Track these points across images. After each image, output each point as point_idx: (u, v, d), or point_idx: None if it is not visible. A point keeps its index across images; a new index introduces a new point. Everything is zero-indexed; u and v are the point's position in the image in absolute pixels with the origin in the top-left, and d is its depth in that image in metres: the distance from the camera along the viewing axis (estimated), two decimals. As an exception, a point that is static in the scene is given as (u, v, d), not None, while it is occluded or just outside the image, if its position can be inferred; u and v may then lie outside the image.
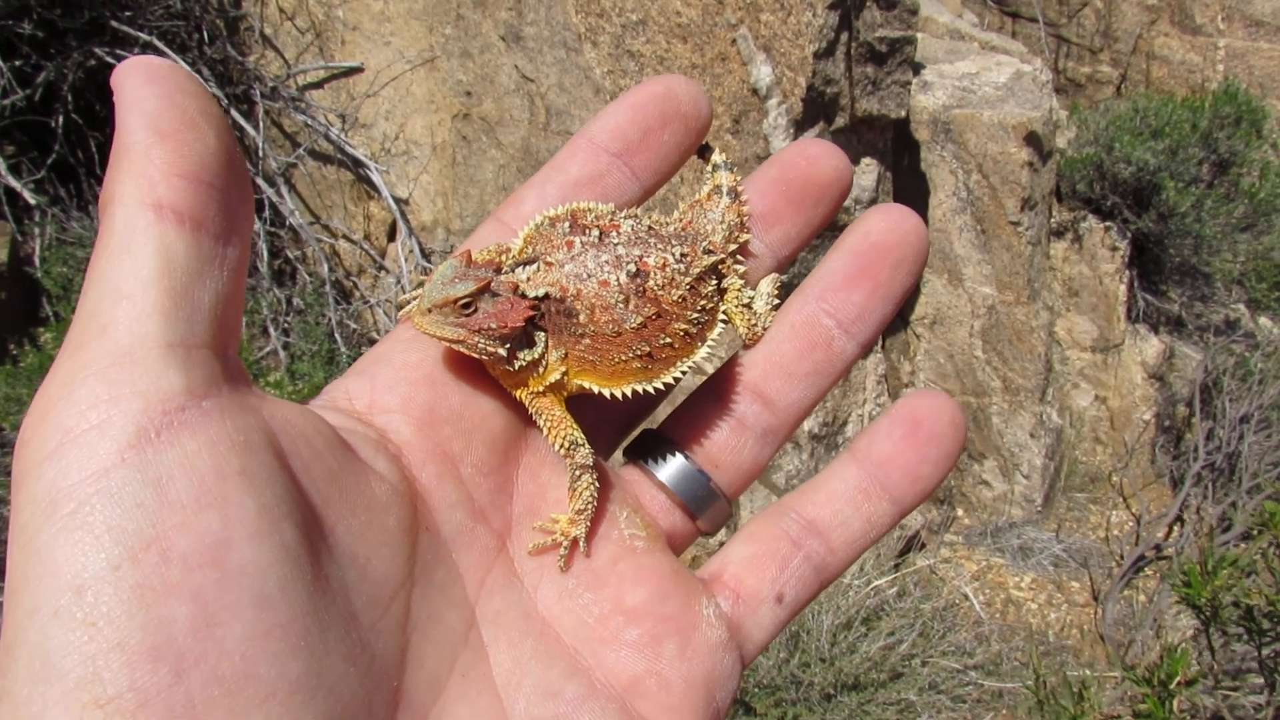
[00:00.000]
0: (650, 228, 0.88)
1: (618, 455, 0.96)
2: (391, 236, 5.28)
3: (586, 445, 0.84)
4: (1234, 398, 5.40)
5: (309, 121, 5.07)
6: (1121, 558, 4.97)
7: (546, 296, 0.84)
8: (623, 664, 0.79)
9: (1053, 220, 5.67)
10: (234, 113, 5.15)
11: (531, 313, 0.83)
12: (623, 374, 0.86)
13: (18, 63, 4.79)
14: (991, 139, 4.92)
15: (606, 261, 0.85)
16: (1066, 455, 5.74)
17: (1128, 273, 5.63)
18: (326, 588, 0.65)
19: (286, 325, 5.13)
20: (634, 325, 0.85)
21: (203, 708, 0.57)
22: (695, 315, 0.88)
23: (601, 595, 0.83)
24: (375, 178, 4.97)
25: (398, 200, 5.03)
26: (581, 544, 0.83)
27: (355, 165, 5.09)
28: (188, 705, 0.56)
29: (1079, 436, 5.88)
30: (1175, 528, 5.11)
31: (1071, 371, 5.87)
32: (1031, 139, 4.89)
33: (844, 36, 4.03)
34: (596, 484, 0.83)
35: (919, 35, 5.71)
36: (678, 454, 0.90)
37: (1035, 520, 5.34)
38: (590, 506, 0.83)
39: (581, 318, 0.84)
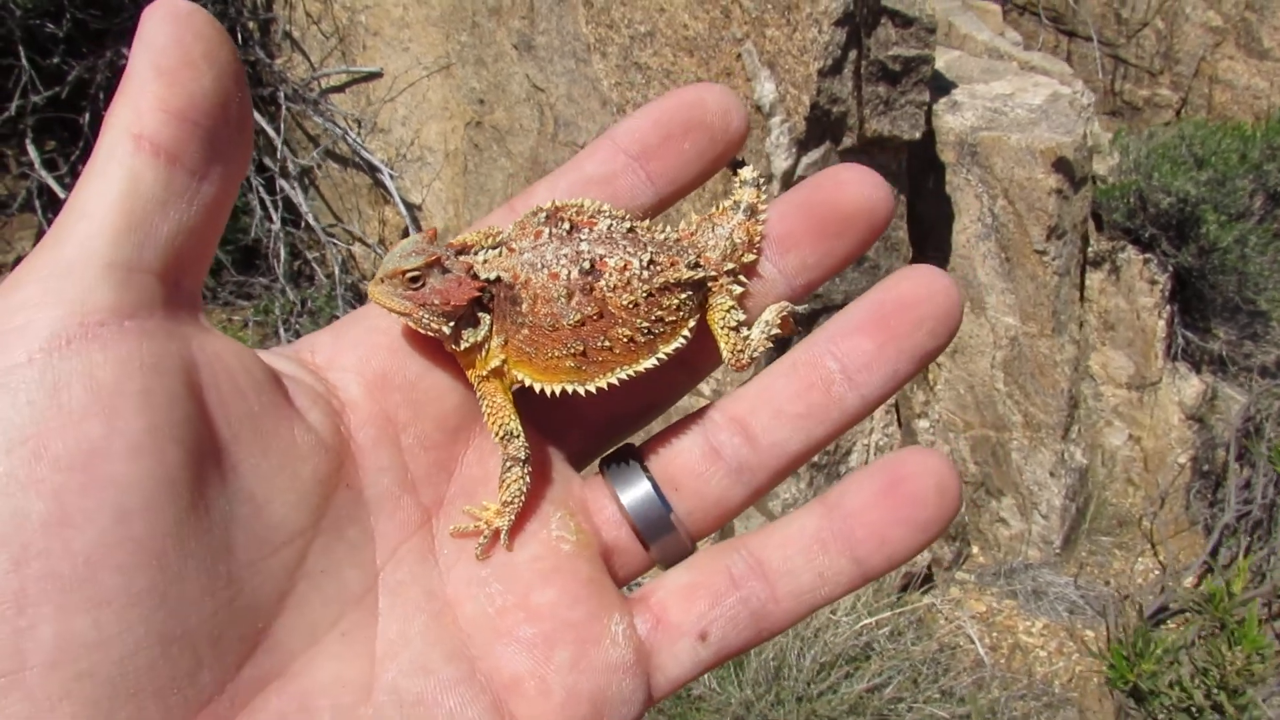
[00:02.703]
0: (631, 230, 0.86)
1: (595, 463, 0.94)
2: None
3: (522, 438, 0.82)
4: (1276, 444, 5.09)
5: (328, 125, 5.10)
6: (1141, 609, 4.72)
7: (498, 280, 0.84)
8: (509, 660, 0.78)
9: (1090, 250, 5.43)
10: (258, 115, 5.19)
11: (477, 294, 0.83)
12: (555, 370, 0.85)
13: (54, 60, 4.89)
14: (1019, 164, 4.72)
15: (565, 255, 0.83)
16: (1095, 496, 5.48)
17: (1168, 308, 5.36)
18: (204, 517, 0.66)
19: (298, 327, 5.16)
20: (571, 322, 0.83)
21: (33, 598, 0.59)
22: (646, 325, 0.85)
23: (510, 588, 0.81)
24: (388, 183, 4.96)
25: (410, 206, 5.03)
26: (503, 536, 0.82)
27: (371, 170, 5.10)
28: (18, 593, 0.58)
29: (1110, 477, 5.62)
30: (1205, 580, 4.83)
31: (1105, 408, 5.61)
32: (1061, 165, 4.68)
33: (853, 54, 3.90)
34: (527, 478, 0.82)
35: (956, 53, 5.53)
36: (641, 474, 0.87)
37: (1053, 563, 5.11)
38: (517, 500, 0.82)
39: (524, 307, 0.84)
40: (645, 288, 0.84)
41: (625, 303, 0.84)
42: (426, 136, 4.99)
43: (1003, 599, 4.97)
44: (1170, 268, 5.28)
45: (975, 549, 5.29)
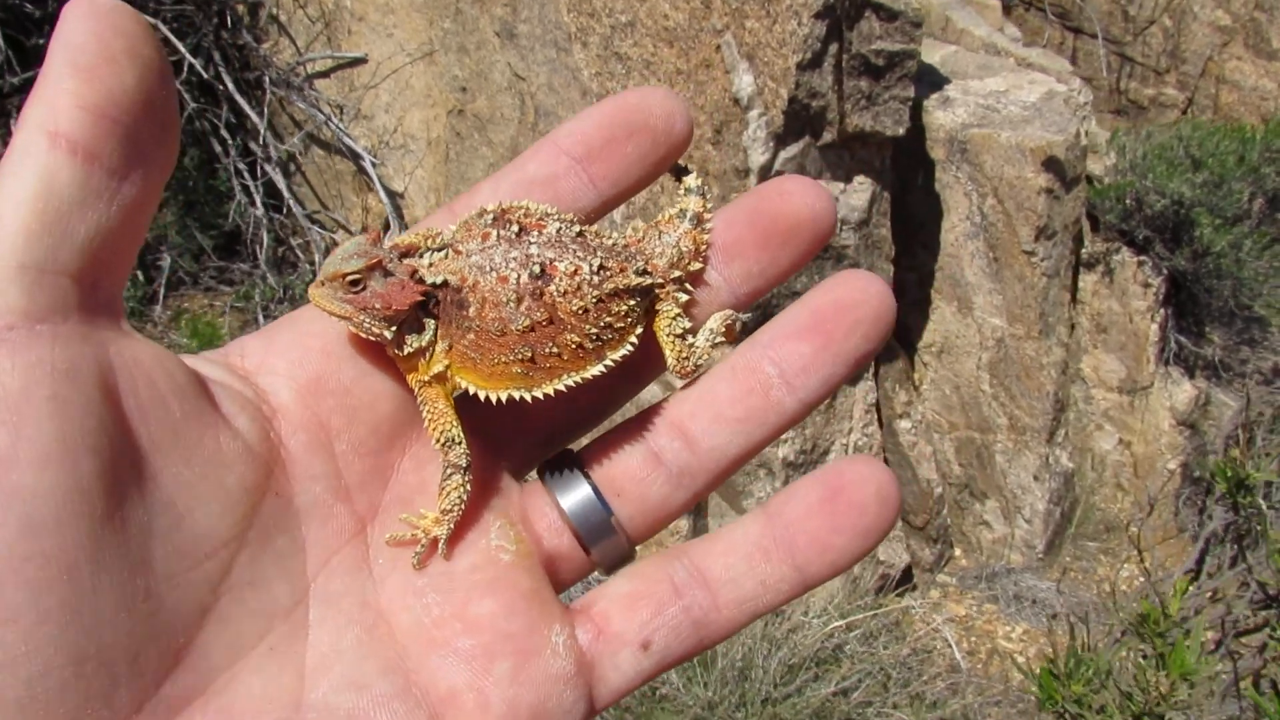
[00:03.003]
0: (580, 235, 0.85)
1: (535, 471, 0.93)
2: (387, 229, 5.23)
3: (463, 445, 0.80)
4: (1268, 451, 5.00)
5: (312, 111, 5.05)
6: (1120, 618, 4.64)
7: (445, 284, 0.81)
8: (446, 672, 0.76)
9: (1085, 251, 5.33)
10: (240, 99, 5.16)
11: (420, 298, 0.81)
12: (501, 377, 0.83)
13: (38, 41, 4.87)
14: (1008, 162, 4.64)
15: (514, 259, 0.82)
16: (1083, 500, 5.40)
17: (1161, 312, 5.27)
18: (120, 529, 0.64)
19: (278, 314, 5.13)
20: (520, 328, 0.81)
21: None
22: (595, 331, 0.84)
23: (448, 599, 0.79)
24: (370, 170, 4.92)
25: (393, 194, 4.98)
26: (441, 545, 0.80)
27: (355, 157, 5.06)
28: None
29: (1099, 481, 5.54)
30: (1189, 588, 4.75)
31: (1096, 412, 5.53)
32: (1051, 164, 4.59)
33: (833, 47, 3.82)
34: (468, 486, 0.80)
35: (953, 48, 5.44)
36: (582, 479, 0.86)
37: (1036, 568, 5.03)
38: (457, 508, 0.80)
39: (471, 311, 0.81)
40: (595, 293, 0.83)
41: (575, 308, 0.82)
42: (409, 124, 4.94)
43: (983, 603, 4.91)
44: (1165, 271, 5.18)
45: (958, 551, 5.23)
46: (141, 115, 0.67)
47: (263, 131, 5.13)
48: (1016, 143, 4.61)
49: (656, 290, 0.89)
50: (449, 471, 0.80)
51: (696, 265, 0.90)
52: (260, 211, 5.22)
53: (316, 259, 5.15)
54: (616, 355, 0.86)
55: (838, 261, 4.22)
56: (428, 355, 0.82)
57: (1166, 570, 5.10)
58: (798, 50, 3.71)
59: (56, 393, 0.61)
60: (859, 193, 4.19)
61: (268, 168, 5.25)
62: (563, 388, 0.84)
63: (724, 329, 0.91)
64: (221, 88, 5.16)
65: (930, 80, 4.98)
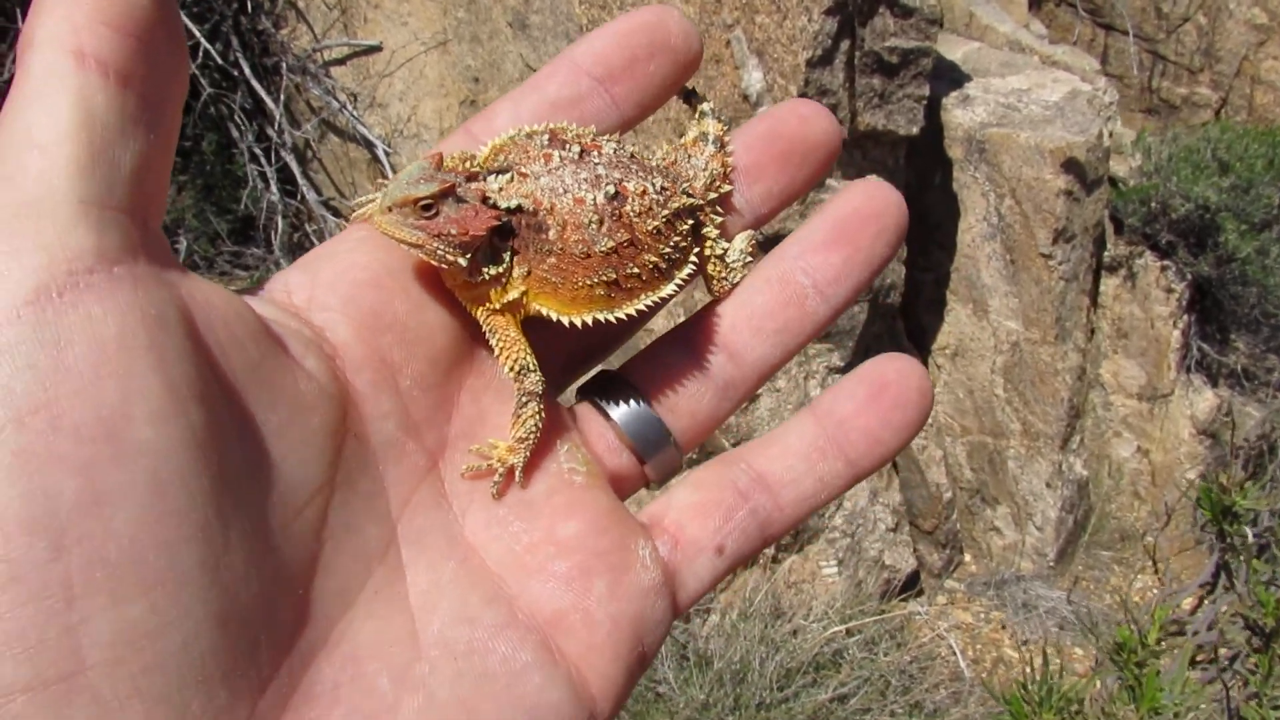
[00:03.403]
0: (633, 155, 0.85)
1: (569, 393, 0.93)
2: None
3: (538, 372, 0.80)
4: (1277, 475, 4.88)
5: (327, 98, 5.05)
6: (1132, 629, 4.55)
7: (518, 209, 0.79)
8: (548, 596, 0.76)
9: (1107, 254, 5.23)
10: (257, 84, 5.17)
11: (496, 223, 0.79)
12: (584, 300, 0.82)
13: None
14: (1027, 163, 4.55)
15: (585, 179, 0.81)
16: (1098, 508, 5.31)
17: (1184, 318, 5.15)
18: (233, 481, 0.61)
19: (290, 300, 5.14)
20: (604, 249, 0.81)
21: (81, 588, 0.53)
22: (667, 250, 0.85)
23: (533, 525, 0.79)
24: (383, 159, 4.91)
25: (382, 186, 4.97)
26: (518, 473, 0.79)
27: (369, 145, 5.05)
28: (64, 584, 0.52)
29: (1116, 489, 5.44)
30: (1205, 602, 4.65)
31: (1114, 418, 5.42)
32: (1071, 165, 4.49)
33: (845, 44, 3.75)
34: (542, 413, 0.80)
35: (976, 45, 5.34)
36: (634, 396, 0.87)
37: (1046, 576, 4.95)
38: (533, 435, 0.79)
39: (551, 234, 0.80)
40: (665, 213, 0.84)
41: (650, 228, 0.83)
42: (423, 113, 4.93)
43: (991, 610, 4.84)
44: (1189, 276, 5.07)
45: (968, 557, 5.16)
46: (160, 33, 0.63)
47: (279, 117, 5.14)
48: (1036, 143, 4.52)
49: (698, 213, 0.90)
50: (524, 399, 0.79)
51: (727, 187, 0.91)
52: (275, 197, 5.23)
53: (329, 247, 5.16)
54: (683, 274, 0.87)
55: (847, 261, 4.17)
56: (502, 282, 0.81)
57: (1181, 583, 5.01)
58: (808, 47, 3.65)
59: (154, 340, 0.58)
60: (870, 192, 4.12)
61: (284, 153, 5.26)
62: (643, 307, 0.85)
63: (751, 249, 0.93)
64: (238, 73, 5.17)
65: (950, 78, 4.89)
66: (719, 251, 0.90)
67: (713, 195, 0.90)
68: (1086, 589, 5.02)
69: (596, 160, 0.82)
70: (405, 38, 4.89)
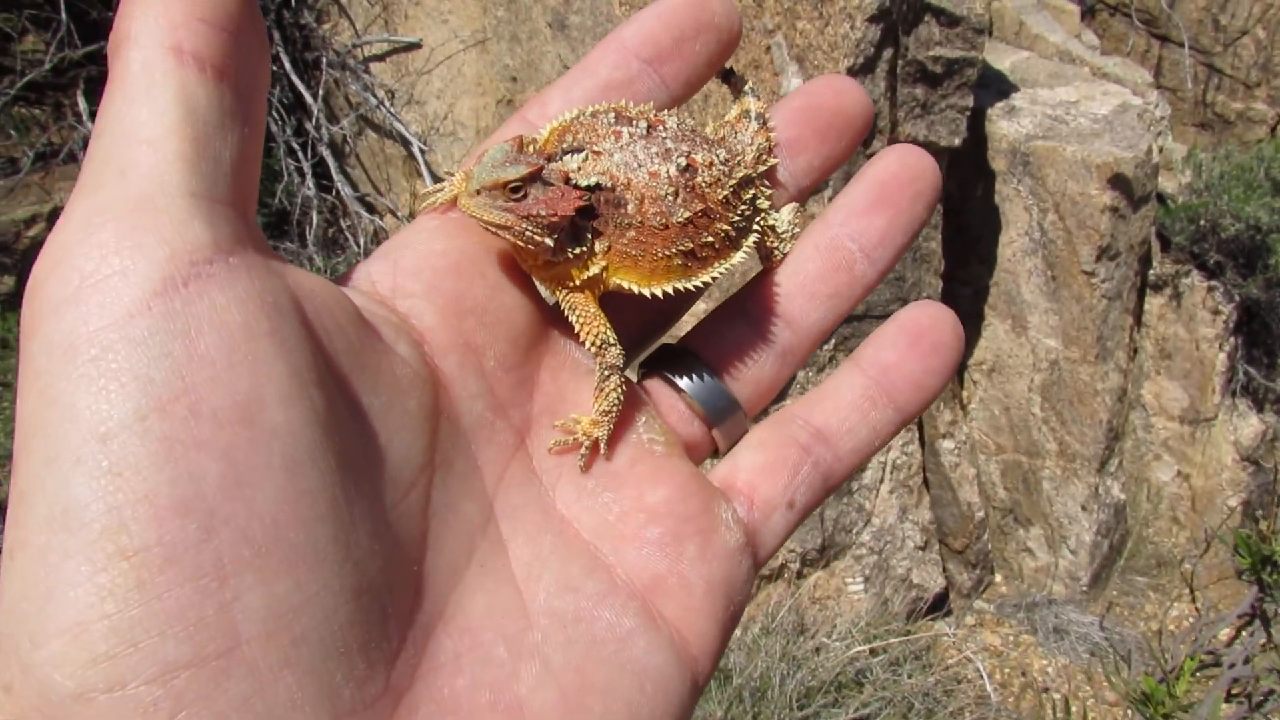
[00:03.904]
0: (693, 129, 0.88)
1: (633, 369, 0.96)
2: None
3: (618, 346, 0.83)
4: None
5: (364, 94, 5.05)
6: (1166, 658, 4.43)
7: (598, 186, 0.81)
8: (644, 562, 0.79)
9: (1152, 272, 5.09)
10: (296, 79, 5.17)
11: (583, 203, 0.81)
12: (663, 271, 0.85)
13: (109, 13, 4.93)
14: (1072, 177, 4.43)
15: (656, 153, 0.83)
16: (1134, 532, 5.18)
17: (1230, 340, 5.01)
18: (352, 462, 0.63)
19: (322, 295, 5.14)
20: (681, 219, 0.83)
21: (232, 568, 0.55)
22: (736, 218, 0.88)
23: (621, 495, 0.82)
24: (419, 156, 4.90)
25: (439, 180, 4.95)
26: (603, 446, 0.82)
27: (405, 142, 5.04)
28: (216, 564, 0.55)
29: (1154, 513, 5.30)
30: (1243, 633, 4.51)
31: (1155, 441, 5.29)
32: (1118, 182, 4.37)
33: (888, 53, 3.67)
34: (623, 386, 0.83)
35: (1025, 55, 5.23)
36: (701, 368, 0.90)
37: (1079, 600, 4.84)
38: (616, 408, 0.82)
39: (630, 208, 0.82)
40: (731, 183, 0.86)
41: (721, 198, 0.86)
42: (460, 111, 4.91)
43: (1020, 633, 4.73)
44: (1236, 298, 4.92)
45: (998, 577, 5.05)
46: (247, 23, 0.64)
47: (316, 112, 5.14)
48: (1083, 157, 4.41)
49: (752, 184, 0.92)
50: (606, 373, 0.82)
51: (773, 161, 0.94)
52: (311, 191, 5.24)
53: (364, 241, 5.15)
54: (749, 242, 0.90)
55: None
56: (584, 260, 0.83)
57: (1219, 612, 4.86)
58: (850, 54, 3.58)
59: (275, 328, 0.60)
60: (909, 204, 4.04)
61: (320, 148, 5.26)
62: (718, 275, 0.87)
63: (798, 220, 0.95)
64: (279, 67, 5.18)
65: (997, 88, 4.79)
66: (770, 222, 0.93)
67: (761, 168, 0.93)
68: (1120, 615, 4.90)
69: (664, 134, 0.84)
70: (445, 35, 4.87)
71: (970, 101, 3.95)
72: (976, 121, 4.50)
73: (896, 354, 0.90)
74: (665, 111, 0.87)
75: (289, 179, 5.19)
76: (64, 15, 4.54)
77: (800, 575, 4.33)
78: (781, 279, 0.93)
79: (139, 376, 0.55)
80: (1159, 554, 5.23)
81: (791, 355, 0.92)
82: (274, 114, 5.28)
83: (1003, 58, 5.08)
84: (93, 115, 5.09)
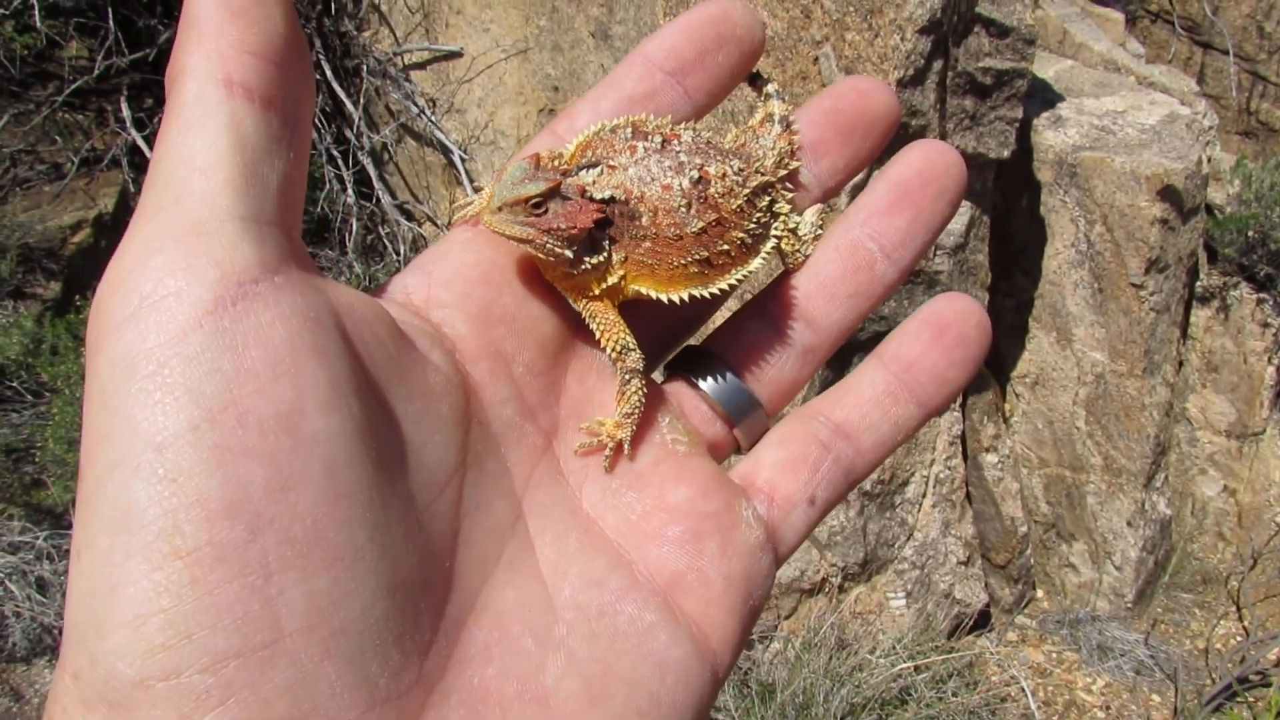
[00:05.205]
0: (709, 141, 0.90)
1: (658, 371, 0.98)
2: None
3: (637, 350, 0.85)
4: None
5: (406, 102, 5.05)
6: (1213, 677, 4.36)
7: (612, 199, 0.85)
8: (665, 559, 0.81)
9: (1199, 284, 5.02)
10: (337, 87, 5.19)
11: (600, 215, 0.84)
12: (679, 279, 0.88)
13: (149, 22, 4.97)
14: (1120, 189, 4.37)
15: (669, 167, 0.86)
16: (1179, 547, 5.10)
17: (1280, 354, 4.93)
18: (388, 466, 0.67)
19: (361, 302, 5.14)
20: (695, 230, 0.86)
21: (276, 565, 0.59)
22: (751, 226, 0.90)
23: (644, 494, 0.85)
24: (459, 165, 4.90)
25: (479, 190, 4.95)
26: (626, 447, 0.85)
27: (445, 150, 5.04)
28: (262, 562, 0.59)
29: (1199, 529, 5.22)
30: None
31: (1200, 455, 5.21)
32: (1168, 193, 4.31)
33: (938, 64, 3.63)
34: (644, 388, 0.85)
35: (1069, 64, 5.17)
36: (723, 369, 0.92)
37: (1123, 617, 4.77)
38: (637, 411, 0.85)
39: (644, 220, 0.86)
40: (745, 192, 0.89)
41: (735, 207, 0.88)
42: (500, 120, 4.90)
43: (1063, 650, 4.67)
44: (1286, 311, 4.84)
45: (1040, 593, 4.99)
46: (294, 56, 0.68)
47: (357, 120, 5.15)
48: (1131, 169, 4.35)
49: (770, 189, 0.94)
50: (627, 377, 0.85)
51: (796, 164, 0.95)
52: (351, 199, 5.25)
53: (403, 249, 5.16)
54: (767, 248, 0.92)
55: (929, 286, 4.04)
56: (602, 270, 0.85)
57: (1267, 630, 4.78)
58: (899, 66, 3.54)
59: (316, 341, 0.64)
60: (956, 217, 3.99)
61: (360, 156, 5.27)
62: (735, 281, 0.89)
63: (821, 222, 0.96)
64: (320, 75, 5.20)
65: (1042, 97, 4.74)
66: (791, 225, 0.94)
67: (782, 173, 0.94)
68: (1165, 633, 4.83)
69: (678, 148, 0.87)
70: (486, 44, 4.87)
71: (1019, 113, 3.91)
72: (1022, 132, 4.45)
73: (920, 348, 0.90)
74: (682, 125, 0.90)
75: (330, 187, 5.21)
76: (111, 23, 4.57)
77: (842, 590, 4.29)
78: (801, 280, 0.94)
79: (191, 390, 0.59)
80: (1204, 570, 5.15)
81: (812, 354, 0.94)
82: (315, 122, 5.29)
83: (1046, 66, 5.03)
84: (136, 121, 5.13)
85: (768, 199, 0.92)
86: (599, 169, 0.85)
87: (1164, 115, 4.71)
